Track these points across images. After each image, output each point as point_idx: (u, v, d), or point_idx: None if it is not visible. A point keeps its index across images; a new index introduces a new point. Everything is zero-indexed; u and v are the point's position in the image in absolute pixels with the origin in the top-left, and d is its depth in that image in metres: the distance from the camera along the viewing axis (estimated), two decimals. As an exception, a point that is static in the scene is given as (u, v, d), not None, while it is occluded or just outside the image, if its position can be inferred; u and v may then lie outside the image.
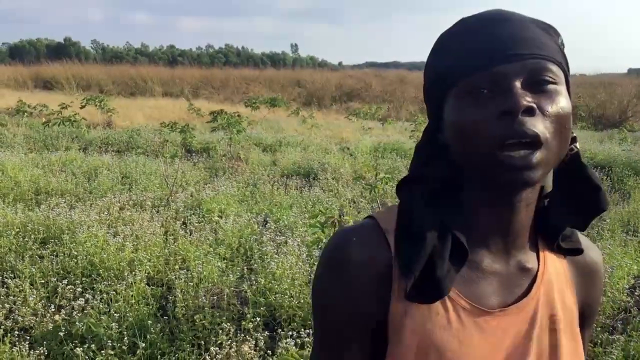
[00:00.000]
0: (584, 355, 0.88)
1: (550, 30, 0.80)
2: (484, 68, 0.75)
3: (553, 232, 0.88)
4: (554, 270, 0.88)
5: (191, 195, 7.16)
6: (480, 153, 0.75)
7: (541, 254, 0.88)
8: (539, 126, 0.73)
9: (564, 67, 0.79)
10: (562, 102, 0.76)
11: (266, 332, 3.70)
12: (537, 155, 0.73)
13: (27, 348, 3.36)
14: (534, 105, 0.73)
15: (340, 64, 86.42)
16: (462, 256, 0.80)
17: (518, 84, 0.74)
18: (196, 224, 5.90)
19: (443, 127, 0.82)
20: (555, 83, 0.76)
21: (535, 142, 0.73)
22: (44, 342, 3.48)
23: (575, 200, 0.87)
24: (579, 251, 0.89)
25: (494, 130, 0.73)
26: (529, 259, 0.87)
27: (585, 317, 0.93)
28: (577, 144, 0.85)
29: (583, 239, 0.93)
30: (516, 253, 0.85)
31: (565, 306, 0.87)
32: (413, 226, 0.81)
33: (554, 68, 0.76)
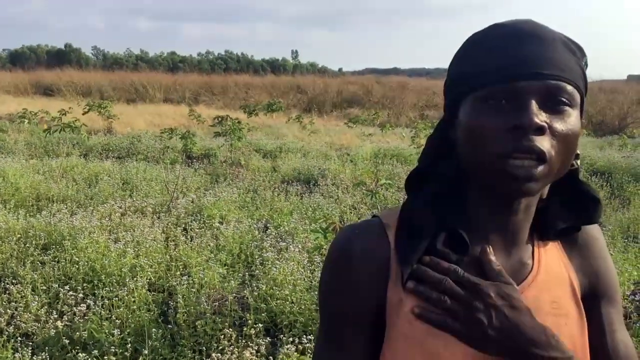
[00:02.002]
0: (587, 332, 0.90)
1: (577, 52, 0.83)
2: (506, 81, 0.79)
3: (546, 232, 0.92)
4: (549, 255, 0.92)
5: (192, 202, 7.16)
6: (486, 159, 0.79)
7: (536, 245, 0.92)
8: (546, 144, 0.77)
9: (582, 90, 0.82)
10: (572, 124, 0.80)
11: (267, 338, 3.71)
12: (540, 169, 0.77)
13: (30, 354, 3.37)
14: (546, 125, 0.77)
15: (340, 70, 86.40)
16: (463, 250, 0.85)
17: (535, 101, 0.78)
18: (197, 230, 5.91)
19: (456, 124, 0.86)
20: (569, 105, 0.80)
21: (540, 158, 0.77)
22: (46, 348, 3.49)
23: (568, 208, 0.92)
24: (576, 228, 0.94)
25: (503, 141, 0.77)
26: (527, 254, 0.91)
27: (596, 290, 0.94)
28: (578, 161, 0.90)
29: None
30: (516, 250, 0.90)
31: (563, 286, 0.90)
32: (413, 222, 0.88)
33: (572, 90, 0.80)
